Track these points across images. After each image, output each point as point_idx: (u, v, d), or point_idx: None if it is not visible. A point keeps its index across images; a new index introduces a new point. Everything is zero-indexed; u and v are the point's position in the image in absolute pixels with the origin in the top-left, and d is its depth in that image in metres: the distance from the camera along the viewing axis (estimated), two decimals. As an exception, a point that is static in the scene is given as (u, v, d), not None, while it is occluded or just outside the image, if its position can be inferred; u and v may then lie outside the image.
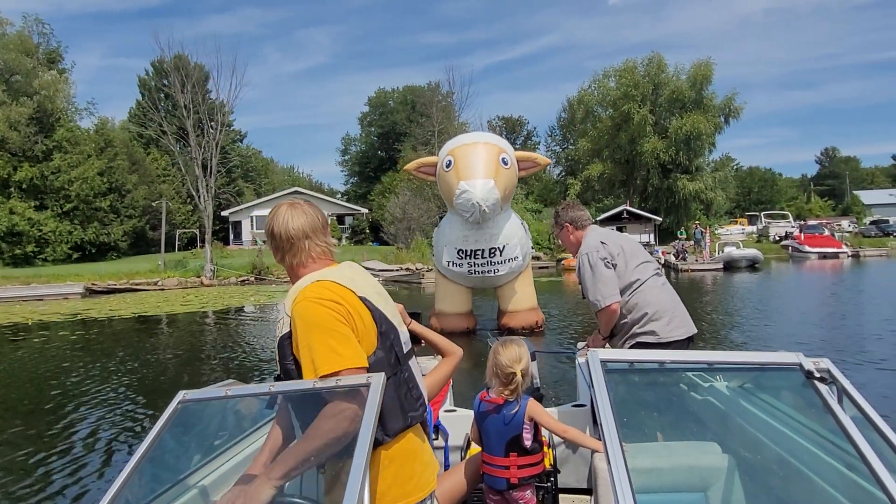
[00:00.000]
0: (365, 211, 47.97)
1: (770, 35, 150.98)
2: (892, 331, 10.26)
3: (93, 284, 24.72)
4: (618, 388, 1.68)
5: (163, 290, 25.53)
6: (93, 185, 34.24)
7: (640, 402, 2.17)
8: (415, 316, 2.35)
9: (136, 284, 25.57)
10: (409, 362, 1.86)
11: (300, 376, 1.67)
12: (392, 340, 1.78)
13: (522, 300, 11.23)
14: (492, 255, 10.41)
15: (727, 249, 28.62)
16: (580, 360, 3.68)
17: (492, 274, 10.65)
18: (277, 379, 1.78)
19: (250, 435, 2.46)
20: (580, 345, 4.13)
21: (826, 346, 9.12)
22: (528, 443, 2.42)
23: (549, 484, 2.54)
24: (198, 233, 39.33)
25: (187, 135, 29.73)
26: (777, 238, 40.65)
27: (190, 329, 14.49)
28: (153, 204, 36.82)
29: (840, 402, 1.70)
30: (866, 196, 66.71)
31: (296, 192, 47.68)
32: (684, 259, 29.32)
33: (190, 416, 1.97)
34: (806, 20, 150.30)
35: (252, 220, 44.85)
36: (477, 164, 9.50)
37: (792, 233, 38.94)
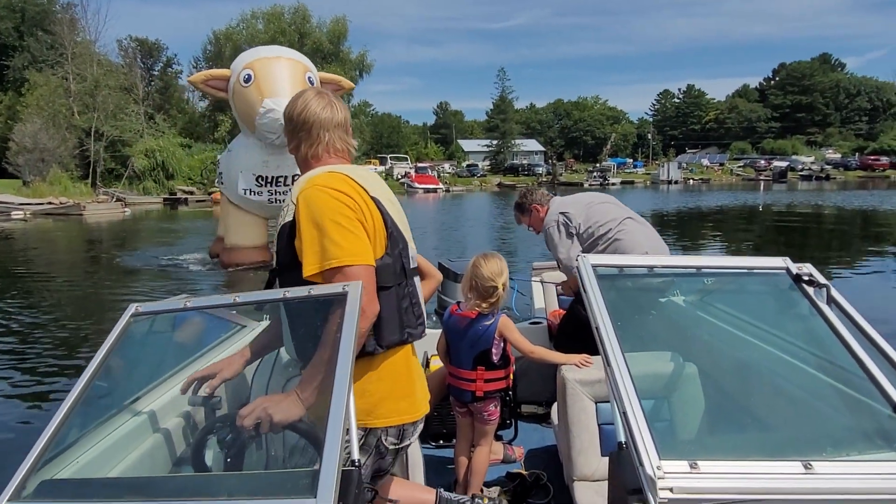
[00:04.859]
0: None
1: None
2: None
3: None
4: (608, 294, 1.60)
5: None
6: None
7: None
8: None
9: None
10: (414, 279, 1.76)
11: (297, 268, 1.54)
12: (401, 249, 1.68)
13: None
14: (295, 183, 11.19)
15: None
16: (535, 279, 3.85)
17: None
18: (273, 271, 1.65)
19: (207, 353, 2.21)
20: (535, 264, 4.40)
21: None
22: (496, 358, 2.45)
23: (509, 397, 2.63)
24: None
25: None
26: (399, 176, 50.54)
27: None
28: None
29: (828, 304, 1.71)
30: (466, 144, 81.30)
31: None
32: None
33: (143, 331, 1.80)
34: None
35: None
36: (282, 81, 8.82)
37: (409, 172, 49.09)
